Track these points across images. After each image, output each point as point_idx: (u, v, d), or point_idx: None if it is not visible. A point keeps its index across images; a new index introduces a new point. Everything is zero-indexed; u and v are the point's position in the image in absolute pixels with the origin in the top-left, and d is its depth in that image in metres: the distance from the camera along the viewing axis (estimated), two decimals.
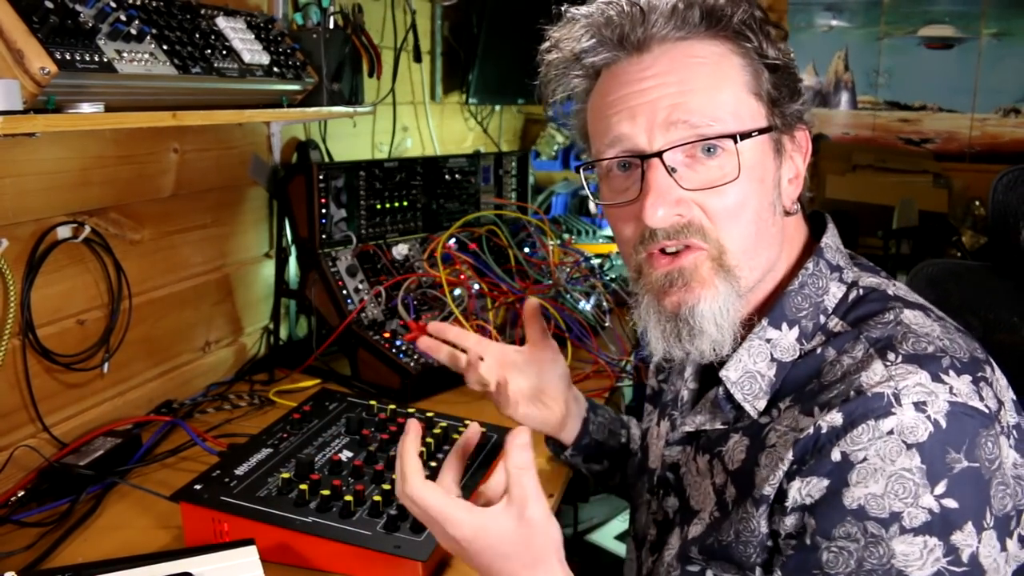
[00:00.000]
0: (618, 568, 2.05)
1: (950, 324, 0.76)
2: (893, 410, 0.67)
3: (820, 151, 3.33)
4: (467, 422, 1.23)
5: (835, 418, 0.69)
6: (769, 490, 0.73)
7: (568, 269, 1.87)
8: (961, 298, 1.24)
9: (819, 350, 0.77)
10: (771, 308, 0.80)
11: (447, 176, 1.89)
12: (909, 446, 0.66)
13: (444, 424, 1.21)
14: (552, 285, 1.77)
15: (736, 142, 0.73)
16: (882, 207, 2.90)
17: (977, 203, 2.99)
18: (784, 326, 0.79)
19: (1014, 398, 0.74)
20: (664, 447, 0.92)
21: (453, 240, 1.77)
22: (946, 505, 0.65)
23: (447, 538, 0.73)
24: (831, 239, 0.83)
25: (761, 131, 0.75)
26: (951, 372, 0.69)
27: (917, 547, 0.65)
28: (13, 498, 1.09)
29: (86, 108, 0.99)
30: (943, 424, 0.66)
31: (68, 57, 0.94)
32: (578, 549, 2.14)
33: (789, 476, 0.72)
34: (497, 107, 2.88)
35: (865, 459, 0.67)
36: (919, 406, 0.67)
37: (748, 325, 0.80)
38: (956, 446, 0.66)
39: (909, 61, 3.14)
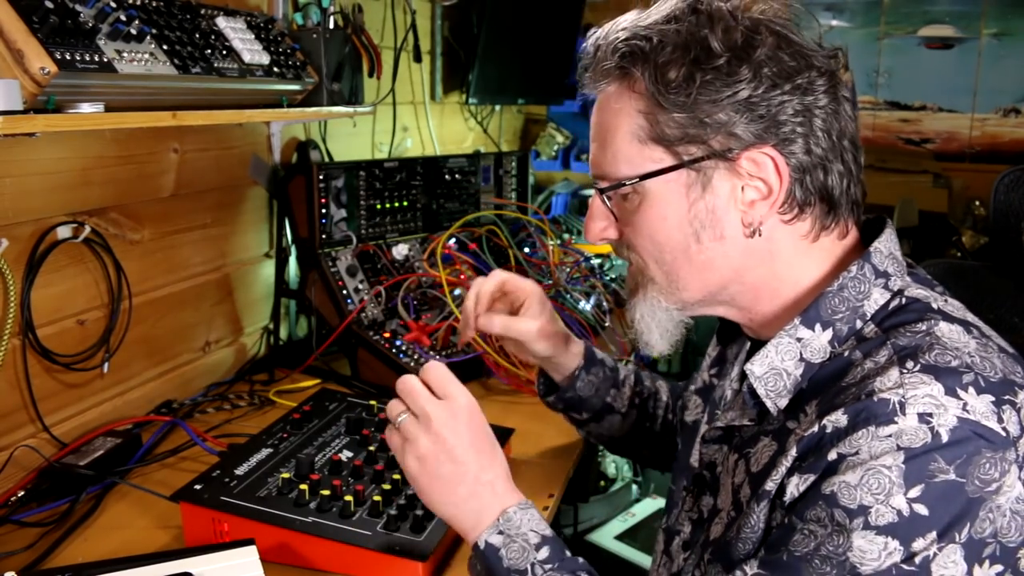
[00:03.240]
0: (618, 568, 2.06)
1: (995, 344, 0.73)
2: (896, 418, 0.65)
3: None
4: None
5: (840, 419, 0.68)
6: (771, 485, 0.73)
7: (568, 269, 1.87)
8: (961, 298, 1.24)
9: (847, 353, 0.75)
10: (807, 308, 0.79)
11: (447, 176, 1.89)
12: (899, 448, 0.65)
13: None
14: (552, 285, 1.77)
15: (601, 193, 0.83)
16: (882, 207, 2.90)
17: (977, 203, 2.98)
18: (817, 327, 0.78)
19: None
20: (701, 444, 0.92)
21: (453, 240, 1.77)
22: (916, 510, 0.63)
23: (447, 420, 0.81)
24: (884, 244, 0.80)
25: (646, 176, 0.78)
26: (971, 389, 0.66)
27: (877, 547, 0.64)
28: (13, 498, 1.09)
29: (86, 108, 0.99)
30: (944, 437, 0.64)
31: (68, 57, 0.94)
32: (578, 549, 2.13)
33: (789, 472, 0.72)
34: (497, 107, 2.88)
35: (856, 453, 0.66)
36: (923, 417, 0.65)
37: (780, 324, 0.80)
38: (948, 458, 0.63)
39: (909, 61, 3.13)
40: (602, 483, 2.35)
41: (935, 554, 0.63)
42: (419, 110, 2.36)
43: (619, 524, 2.21)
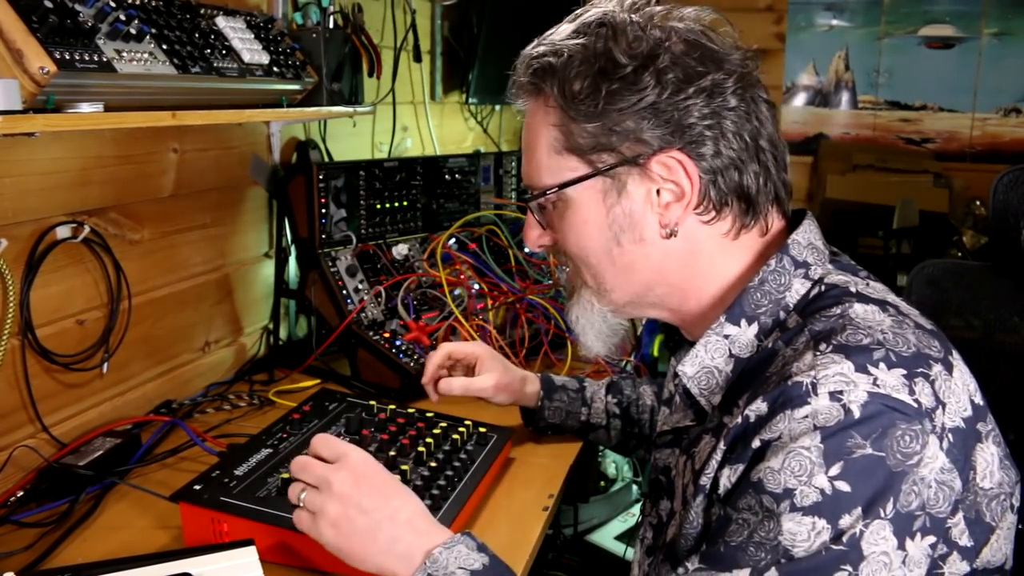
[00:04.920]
0: (618, 568, 2.06)
1: (912, 321, 0.74)
2: (809, 399, 0.67)
3: (820, 151, 3.33)
4: (467, 422, 1.23)
5: (761, 407, 0.70)
6: (705, 480, 0.75)
7: (568, 269, 1.87)
8: (961, 298, 1.24)
9: (771, 344, 0.77)
10: (731, 305, 0.80)
11: (447, 176, 1.89)
12: (816, 428, 0.66)
13: (444, 424, 1.21)
14: (552, 285, 1.77)
15: (527, 203, 0.87)
16: (882, 207, 2.90)
17: (977, 203, 2.99)
18: (743, 322, 0.80)
19: (976, 402, 0.72)
20: (655, 449, 0.94)
21: (453, 240, 1.77)
22: (838, 488, 0.65)
23: (346, 478, 0.82)
24: (803, 235, 0.82)
25: (564, 185, 0.82)
26: (881, 364, 0.68)
27: (805, 527, 0.65)
28: (12, 498, 1.09)
29: (85, 108, 0.99)
30: (856, 413, 0.65)
31: (67, 57, 0.93)
32: (578, 549, 2.14)
33: (721, 465, 0.73)
34: (497, 107, 2.87)
35: (778, 437, 0.68)
36: (834, 395, 0.66)
37: (709, 323, 0.82)
38: (863, 433, 0.65)
39: (909, 61, 3.14)
40: (602, 483, 2.35)
41: (862, 531, 0.64)
42: (419, 110, 2.36)
43: (619, 524, 2.21)
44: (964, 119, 3.09)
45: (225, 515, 0.96)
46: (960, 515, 0.69)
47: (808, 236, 0.82)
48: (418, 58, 2.10)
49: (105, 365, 1.29)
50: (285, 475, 1.02)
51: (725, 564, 0.68)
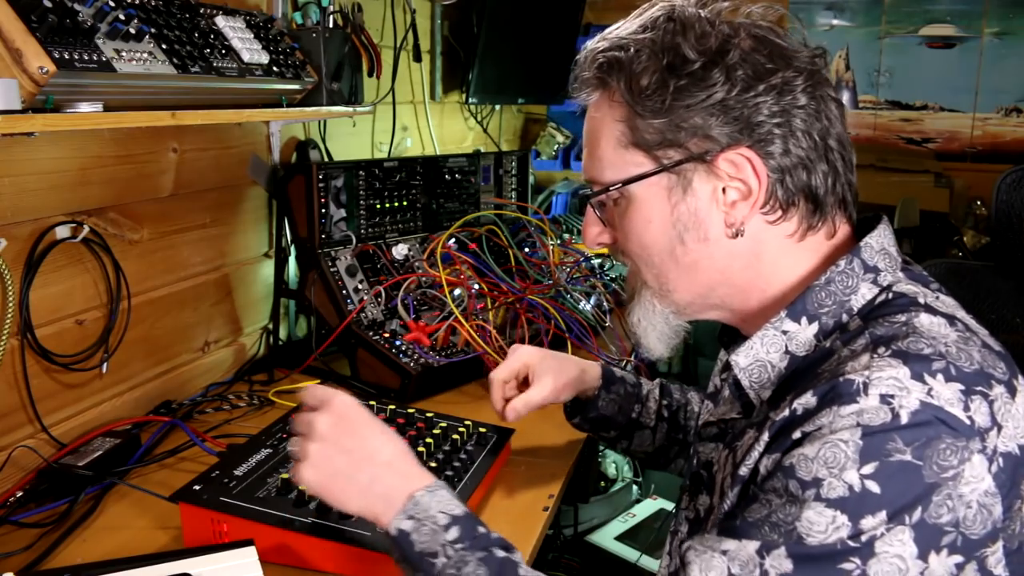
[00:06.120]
0: (618, 569, 2.06)
1: (979, 340, 0.73)
2: (858, 398, 0.66)
3: None
4: (467, 422, 1.22)
5: (809, 401, 0.70)
6: (745, 470, 0.75)
7: (568, 269, 1.87)
8: (963, 298, 1.23)
9: (829, 345, 0.77)
10: (793, 301, 0.79)
11: (447, 176, 1.89)
12: (858, 425, 0.65)
13: (444, 424, 1.21)
14: (552, 285, 1.77)
15: (589, 200, 0.86)
16: (883, 207, 2.89)
17: (979, 203, 2.98)
18: (803, 320, 0.79)
19: None
20: (698, 442, 0.93)
21: (453, 240, 1.77)
22: (868, 487, 0.64)
23: (326, 419, 0.83)
24: (876, 240, 0.81)
25: (629, 181, 0.81)
26: (939, 376, 0.66)
27: (825, 520, 0.64)
28: (12, 499, 1.09)
29: (85, 107, 0.99)
30: (903, 418, 0.64)
31: (67, 56, 0.93)
32: (578, 549, 2.13)
33: (761, 455, 0.73)
34: (497, 107, 2.88)
35: (819, 428, 0.67)
36: (885, 398, 0.65)
37: (766, 319, 0.81)
38: (907, 439, 0.64)
39: (910, 60, 3.13)
40: (602, 483, 2.35)
41: (883, 533, 0.63)
42: (419, 110, 2.36)
43: (619, 525, 2.21)
44: (965, 119, 3.09)
45: (225, 515, 0.96)
46: (999, 544, 0.66)
47: (882, 241, 0.81)
48: (418, 58, 2.10)
49: (104, 365, 1.29)
50: (285, 475, 1.02)
51: (735, 534, 0.69)
